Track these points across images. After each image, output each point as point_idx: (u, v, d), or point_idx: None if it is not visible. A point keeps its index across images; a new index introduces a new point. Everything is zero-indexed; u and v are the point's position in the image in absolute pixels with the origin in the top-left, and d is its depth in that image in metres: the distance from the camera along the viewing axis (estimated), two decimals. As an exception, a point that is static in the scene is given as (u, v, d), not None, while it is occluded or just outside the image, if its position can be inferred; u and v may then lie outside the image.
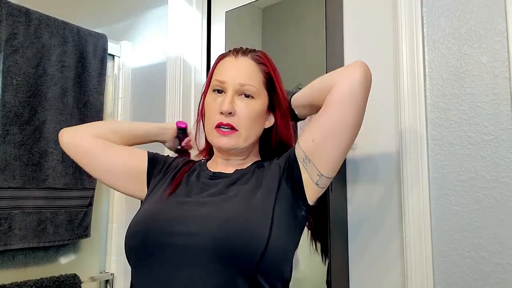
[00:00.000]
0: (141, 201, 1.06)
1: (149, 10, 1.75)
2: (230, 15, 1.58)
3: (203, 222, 0.86)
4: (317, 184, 0.90)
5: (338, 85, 0.87)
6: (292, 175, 0.92)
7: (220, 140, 0.96)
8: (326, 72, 1.24)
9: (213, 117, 0.96)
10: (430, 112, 1.07)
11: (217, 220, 0.85)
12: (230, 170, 1.00)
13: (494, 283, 0.95)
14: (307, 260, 1.27)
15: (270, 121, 1.01)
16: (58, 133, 1.49)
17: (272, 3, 1.55)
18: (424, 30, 1.09)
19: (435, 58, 1.07)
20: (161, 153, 1.11)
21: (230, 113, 0.94)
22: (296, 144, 0.93)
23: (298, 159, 0.92)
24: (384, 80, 1.14)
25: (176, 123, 1.20)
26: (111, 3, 1.93)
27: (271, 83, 0.99)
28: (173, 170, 1.04)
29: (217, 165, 1.02)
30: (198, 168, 1.04)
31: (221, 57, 1.01)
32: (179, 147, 1.21)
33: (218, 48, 1.61)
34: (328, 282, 1.22)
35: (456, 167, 1.02)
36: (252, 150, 1.03)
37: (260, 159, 1.04)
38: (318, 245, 1.26)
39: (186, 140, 1.20)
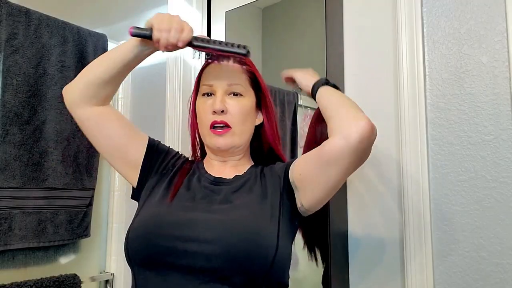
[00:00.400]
0: (133, 192, 1.04)
1: (149, 10, 1.75)
2: (230, 15, 1.58)
3: (215, 229, 0.86)
4: (299, 209, 0.92)
5: (333, 138, 0.84)
6: (289, 190, 0.94)
7: (217, 141, 0.96)
8: (326, 73, 1.25)
9: (207, 118, 0.97)
10: (430, 112, 1.06)
11: (229, 228, 0.86)
12: (228, 173, 1.00)
13: (494, 283, 0.95)
14: (306, 260, 1.27)
15: (260, 118, 1.04)
16: (58, 133, 1.52)
17: (272, 3, 1.55)
18: (424, 30, 1.09)
19: (435, 58, 1.07)
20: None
21: (222, 111, 0.95)
22: (292, 164, 0.95)
23: (290, 180, 0.93)
24: (384, 80, 1.14)
25: (130, 33, 0.96)
26: (111, 3, 1.93)
27: (256, 82, 1.02)
28: (171, 170, 1.03)
29: (213, 167, 1.02)
30: (196, 170, 1.03)
31: (205, 65, 1.04)
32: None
33: (218, 48, 1.61)
34: (325, 283, 1.22)
35: (456, 167, 1.02)
36: (246, 150, 1.04)
37: (253, 163, 1.05)
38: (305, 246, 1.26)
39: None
